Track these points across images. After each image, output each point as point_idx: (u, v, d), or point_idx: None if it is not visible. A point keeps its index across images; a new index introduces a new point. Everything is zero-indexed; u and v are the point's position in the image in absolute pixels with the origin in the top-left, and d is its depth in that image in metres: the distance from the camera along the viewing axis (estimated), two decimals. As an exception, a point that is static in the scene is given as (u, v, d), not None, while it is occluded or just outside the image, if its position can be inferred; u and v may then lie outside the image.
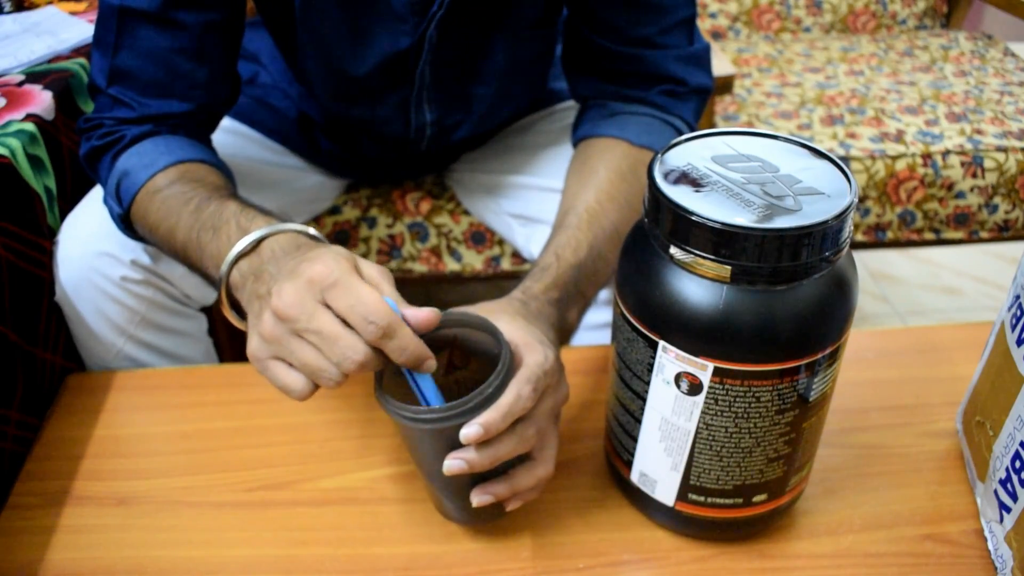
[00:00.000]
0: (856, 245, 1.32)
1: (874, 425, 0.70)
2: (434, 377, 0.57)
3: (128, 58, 0.72)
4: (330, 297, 0.50)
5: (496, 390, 0.52)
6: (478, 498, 0.56)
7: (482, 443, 0.53)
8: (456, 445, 0.53)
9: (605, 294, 0.83)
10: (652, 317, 0.51)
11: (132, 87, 0.73)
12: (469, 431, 0.51)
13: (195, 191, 0.68)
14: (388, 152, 1.01)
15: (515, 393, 0.52)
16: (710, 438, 0.53)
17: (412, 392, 0.56)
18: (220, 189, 0.69)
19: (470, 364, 0.59)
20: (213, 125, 0.81)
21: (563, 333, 0.65)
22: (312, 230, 0.62)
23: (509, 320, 0.57)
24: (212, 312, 0.92)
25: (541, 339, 0.57)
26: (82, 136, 0.75)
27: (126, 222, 0.74)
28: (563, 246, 0.68)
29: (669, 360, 0.51)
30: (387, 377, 0.55)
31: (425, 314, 0.53)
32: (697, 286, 0.48)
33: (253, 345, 0.54)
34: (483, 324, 0.56)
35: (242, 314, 0.61)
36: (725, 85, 1.18)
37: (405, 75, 0.83)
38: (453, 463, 0.53)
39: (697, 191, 0.48)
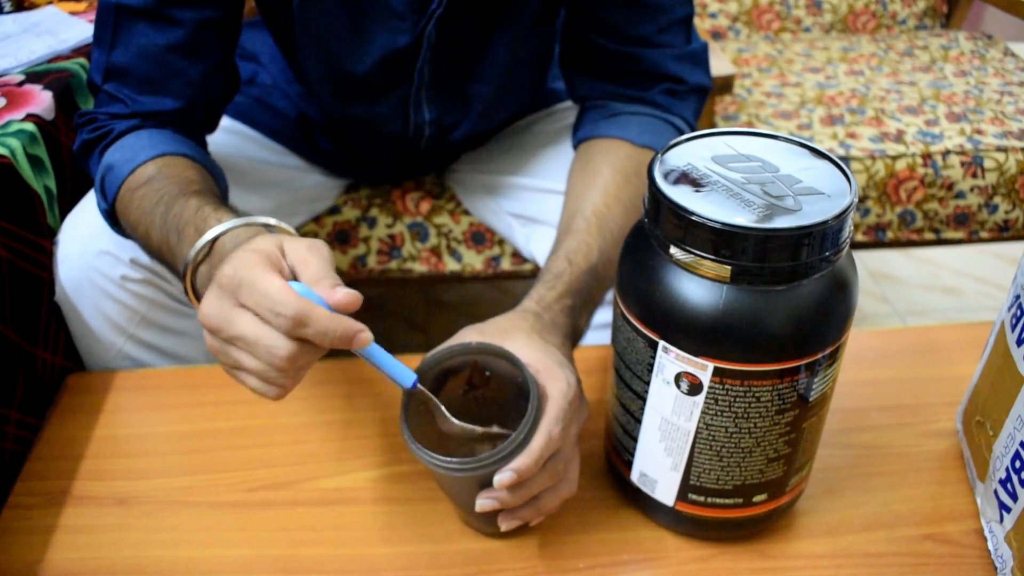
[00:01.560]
0: (856, 245, 1.32)
1: (874, 425, 0.70)
2: (453, 396, 0.58)
3: (123, 55, 0.72)
4: (241, 298, 0.49)
5: (528, 435, 0.52)
6: (506, 524, 0.56)
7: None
8: (486, 484, 0.53)
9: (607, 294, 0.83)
10: (652, 317, 0.51)
11: (127, 84, 0.73)
12: (503, 478, 0.52)
13: (166, 188, 0.67)
14: (387, 152, 1.01)
15: (546, 436, 0.53)
16: (710, 438, 0.53)
17: (436, 429, 0.57)
18: (188, 184, 0.67)
19: (489, 383, 0.59)
20: (210, 123, 0.81)
21: (575, 340, 0.65)
22: (261, 219, 0.60)
23: (526, 340, 0.57)
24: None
25: (560, 360, 0.57)
26: (77, 130, 0.76)
27: (112, 217, 0.74)
28: (574, 251, 0.67)
29: (669, 360, 0.51)
30: (412, 415, 0.55)
31: (342, 296, 0.50)
32: (697, 286, 0.48)
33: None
34: (507, 356, 0.56)
35: None
36: (725, 85, 1.18)
37: (404, 73, 0.83)
38: (485, 503, 0.53)
39: (697, 191, 0.48)
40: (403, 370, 0.53)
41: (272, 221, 0.61)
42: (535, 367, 0.55)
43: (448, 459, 0.52)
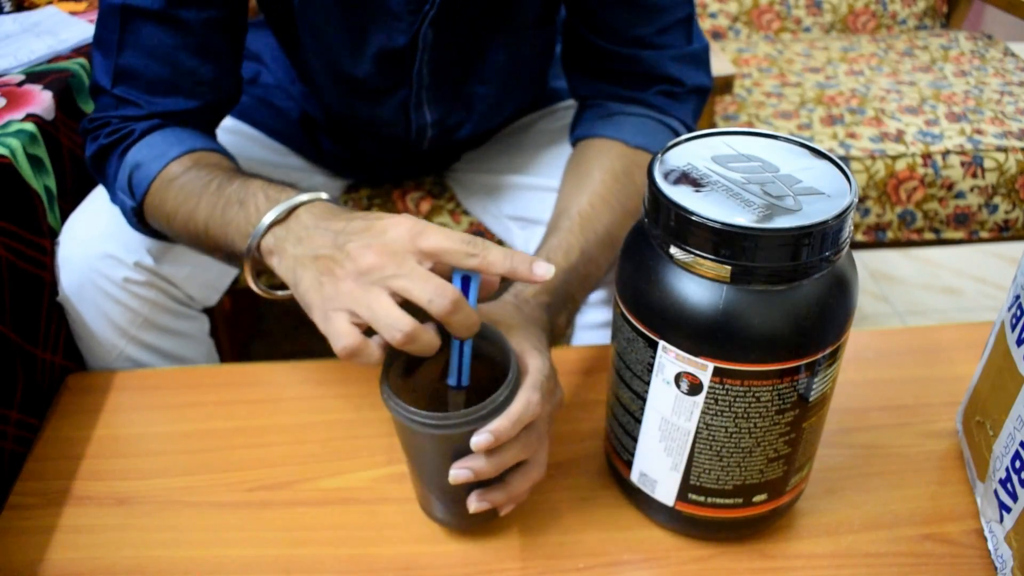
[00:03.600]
0: (856, 245, 1.32)
1: (874, 425, 0.70)
2: (432, 382, 0.57)
3: (132, 57, 0.71)
4: (422, 240, 0.52)
5: (507, 398, 0.52)
6: (476, 504, 0.56)
7: (489, 451, 0.53)
8: (461, 451, 0.53)
9: (603, 294, 0.83)
10: (652, 317, 0.51)
11: (137, 86, 0.73)
12: (480, 439, 0.51)
13: (213, 174, 0.68)
14: (390, 152, 1.01)
15: (525, 401, 0.53)
16: (710, 438, 0.53)
17: (416, 391, 0.57)
18: (239, 171, 0.69)
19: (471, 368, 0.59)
20: (217, 123, 0.81)
21: (552, 337, 0.65)
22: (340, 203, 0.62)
23: (506, 326, 0.58)
24: (214, 313, 0.92)
25: (536, 344, 0.57)
26: (87, 136, 0.75)
27: (139, 215, 0.73)
28: (554, 250, 0.68)
29: (669, 360, 0.51)
30: (392, 379, 0.55)
31: (544, 268, 0.53)
32: (697, 286, 0.48)
33: (318, 303, 0.55)
34: (487, 332, 0.56)
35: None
36: (725, 85, 1.18)
37: (403, 75, 0.83)
38: (459, 472, 0.53)
39: (697, 191, 0.48)
40: (467, 370, 0.56)
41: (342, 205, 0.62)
42: (516, 348, 0.56)
43: (425, 414, 0.52)
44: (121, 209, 0.75)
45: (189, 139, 0.72)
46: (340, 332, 0.53)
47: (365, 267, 0.52)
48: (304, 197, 0.60)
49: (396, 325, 0.51)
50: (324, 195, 0.61)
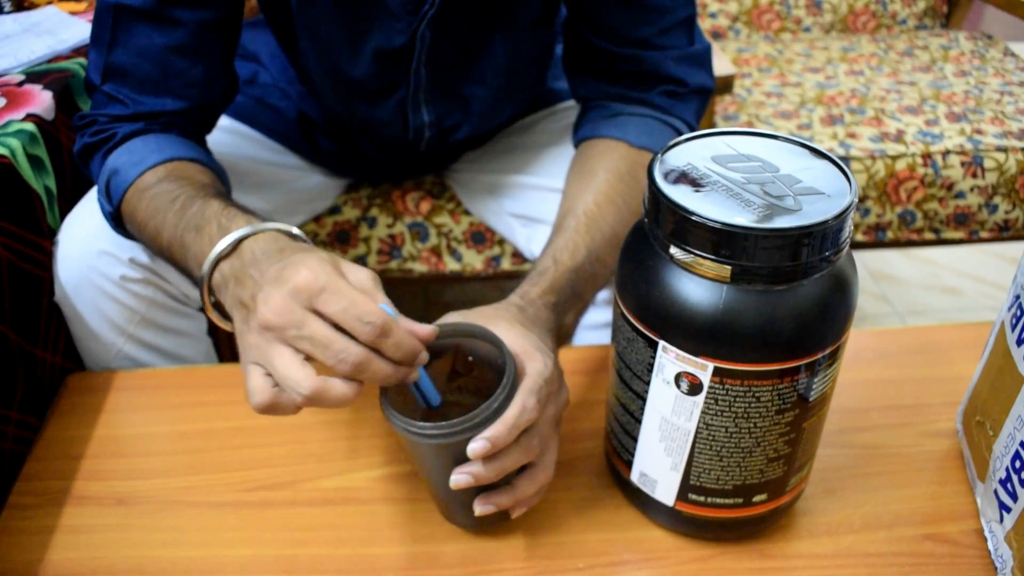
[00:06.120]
0: (856, 245, 1.32)
1: (874, 425, 0.70)
2: (437, 385, 0.57)
3: (123, 55, 0.72)
4: (320, 303, 0.50)
5: (502, 404, 0.52)
6: (481, 508, 0.56)
7: (488, 456, 0.53)
8: (462, 458, 0.53)
9: (605, 294, 0.83)
10: (652, 317, 0.51)
11: (126, 84, 0.73)
12: (476, 446, 0.51)
13: (181, 189, 0.67)
14: (388, 152, 1.01)
15: (520, 406, 0.53)
16: (710, 438, 0.53)
17: (415, 401, 0.57)
18: (206, 187, 0.68)
19: (472, 371, 0.59)
20: (209, 124, 0.81)
21: (560, 337, 0.65)
22: (294, 229, 0.61)
23: (507, 327, 0.58)
24: (212, 312, 0.92)
25: (539, 346, 0.57)
26: (77, 132, 0.76)
27: (117, 220, 0.74)
28: (561, 250, 0.68)
29: (669, 360, 0.51)
30: (391, 389, 0.55)
31: (427, 329, 0.54)
32: (697, 286, 0.48)
33: (240, 352, 0.54)
34: (487, 335, 0.56)
35: (225, 314, 0.60)
36: (725, 85, 1.18)
37: (401, 75, 0.83)
38: (460, 478, 0.53)
39: (697, 191, 0.48)
40: (435, 391, 0.56)
41: (296, 231, 0.61)
42: (514, 349, 0.56)
43: (421, 424, 0.52)
44: (101, 211, 0.75)
45: (168, 147, 0.72)
46: (252, 387, 0.52)
47: (265, 323, 0.51)
48: (248, 229, 0.59)
49: (297, 388, 0.50)
50: (271, 225, 0.60)
